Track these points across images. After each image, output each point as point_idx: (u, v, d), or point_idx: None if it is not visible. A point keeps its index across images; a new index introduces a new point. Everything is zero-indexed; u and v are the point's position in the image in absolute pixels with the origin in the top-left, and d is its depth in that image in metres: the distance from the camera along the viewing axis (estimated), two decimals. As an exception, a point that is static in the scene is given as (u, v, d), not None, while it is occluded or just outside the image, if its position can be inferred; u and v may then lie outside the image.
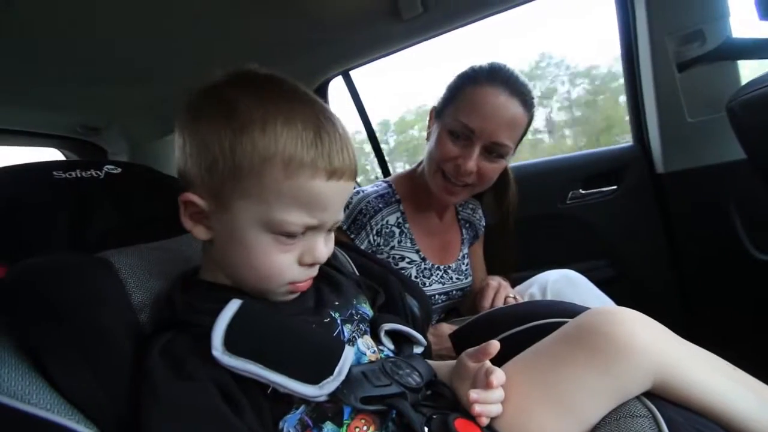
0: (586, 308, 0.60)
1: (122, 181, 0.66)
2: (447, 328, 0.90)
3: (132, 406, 0.41)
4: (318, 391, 0.43)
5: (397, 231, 1.01)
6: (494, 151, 0.91)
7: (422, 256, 1.03)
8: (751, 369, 0.53)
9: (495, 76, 0.90)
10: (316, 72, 1.51)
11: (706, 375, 0.50)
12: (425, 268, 1.03)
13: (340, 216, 0.52)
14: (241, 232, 0.47)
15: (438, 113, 0.99)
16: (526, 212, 1.44)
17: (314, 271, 0.52)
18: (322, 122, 0.47)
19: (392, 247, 1.00)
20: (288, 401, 0.45)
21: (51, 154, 1.60)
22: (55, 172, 0.61)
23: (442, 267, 1.06)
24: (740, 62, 1.21)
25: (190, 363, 0.42)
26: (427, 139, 1.02)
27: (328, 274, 0.62)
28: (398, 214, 1.03)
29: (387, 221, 1.00)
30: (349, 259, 0.73)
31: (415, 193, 1.06)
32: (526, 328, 0.66)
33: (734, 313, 1.25)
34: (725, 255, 1.25)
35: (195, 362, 0.42)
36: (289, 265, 0.49)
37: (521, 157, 1.58)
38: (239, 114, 0.45)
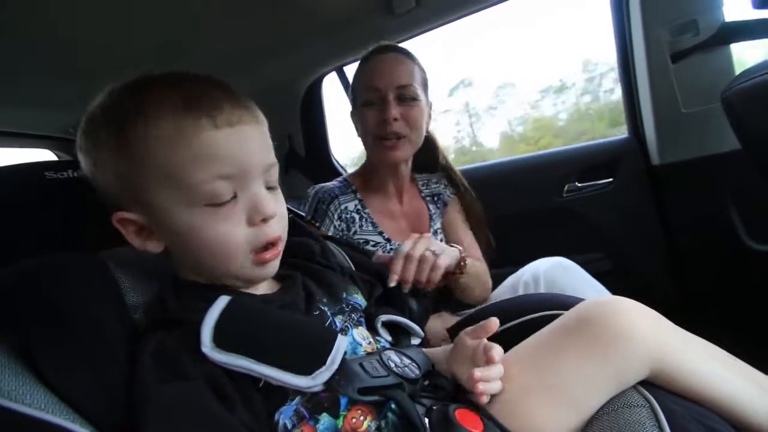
0: (583, 299, 0.60)
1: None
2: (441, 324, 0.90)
3: (127, 406, 0.41)
4: (311, 382, 0.43)
5: (356, 216, 1.04)
6: (406, 95, 0.99)
7: (386, 237, 1.04)
8: (747, 358, 0.53)
9: (373, 51, 1.05)
10: (309, 68, 1.51)
11: (703, 363, 0.50)
12: (391, 249, 1.02)
13: (266, 161, 0.50)
14: (178, 221, 0.47)
15: (354, 111, 1.08)
16: (523, 206, 1.44)
17: (271, 230, 0.49)
18: (192, 91, 0.47)
19: (354, 232, 1.03)
20: (282, 393, 0.45)
21: (44, 156, 1.59)
22: (46, 173, 0.60)
23: None
24: (734, 54, 1.21)
25: (182, 362, 0.42)
26: (359, 135, 1.09)
27: (316, 270, 0.62)
28: (356, 201, 1.06)
29: (346, 207, 1.04)
30: (344, 254, 0.73)
31: (369, 183, 1.10)
32: (523, 321, 0.66)
33: (730, 303, 1.26)
34: (721, 246, 1.26)
35: (186, 360, 0.42)
36: (239, 231, 0.48)
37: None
38: (116, 120, 0.46)
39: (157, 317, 0.49)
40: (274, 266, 0.52)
